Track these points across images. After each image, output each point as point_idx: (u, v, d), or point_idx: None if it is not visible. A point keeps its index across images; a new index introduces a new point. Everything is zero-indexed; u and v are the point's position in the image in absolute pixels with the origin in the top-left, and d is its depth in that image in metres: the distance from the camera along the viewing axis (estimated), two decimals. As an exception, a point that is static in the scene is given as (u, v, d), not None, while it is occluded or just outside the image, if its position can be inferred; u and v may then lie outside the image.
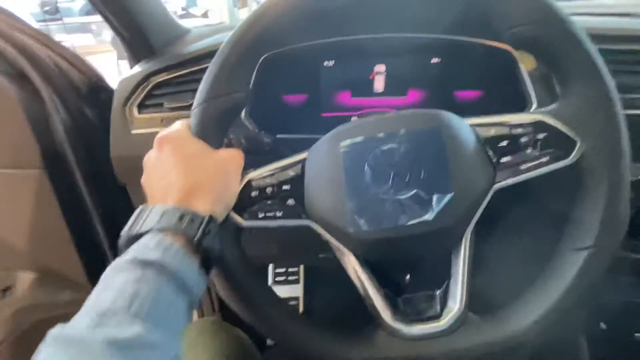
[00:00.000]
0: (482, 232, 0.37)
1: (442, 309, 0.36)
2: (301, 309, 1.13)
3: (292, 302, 1.17)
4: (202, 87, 0.37)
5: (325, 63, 0.60)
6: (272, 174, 0.38)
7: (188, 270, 0.31)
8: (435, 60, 0.59)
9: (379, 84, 0.61)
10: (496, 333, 0.34)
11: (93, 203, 0.76)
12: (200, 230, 0.32)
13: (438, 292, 0.37)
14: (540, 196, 0.43)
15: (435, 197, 0.34)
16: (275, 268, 1.20)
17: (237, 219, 0.37)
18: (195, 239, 0.32)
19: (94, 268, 0.86)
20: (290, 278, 1.19)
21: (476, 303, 0.36)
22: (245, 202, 0.37)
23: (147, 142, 0.55)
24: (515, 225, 0.47)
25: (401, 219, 0.34)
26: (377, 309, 0.36)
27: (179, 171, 0.35)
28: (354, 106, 0.64)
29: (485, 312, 0.36)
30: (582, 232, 0.35)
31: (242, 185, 0.37)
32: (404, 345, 0.35)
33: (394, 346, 0.35)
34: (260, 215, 0.37)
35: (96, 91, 0.73)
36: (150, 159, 0.38)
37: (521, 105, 0.53)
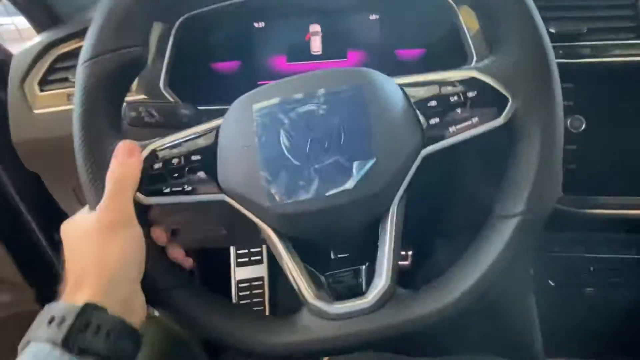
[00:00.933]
0: (412, 202, 0.34)
1: (368, 285, 0.33)
2: (266, 289, 1.11)
3: (257, 283, 1.15)
4: (86, 44, 0.31)
5: (256, 24, 0.55)
6: (180, 144, 0.33)
7: None
8: (373, 17, 0.55)
9: (315, 46, 0.57)
10: (424, 308, 0.32)
11: (18, 193, 0.69)
12: (66, 326, 0.27)
13: (364, 268, 0.34)
14: (472, 162, 0.40)
15: (356, 164, 0.31)
16: (237, 249, 1.16)
17: (140, 197, 0.33)
18: (60, 339, 0.26)
19: (29, 264, 0.80)
20: (253, 258, 1.16)
21: (410, 278, 0.33)
22: (147, 177, 0.33)
23: (52, 122, 0.49)
24: (447, 194, 0.45)
25: (320, 189, 0.31)
26: (300, 287, 0.33)
27: (68, 263, 0.32)
28: (291, 72, 0.59)
29: (416, 287, 0.34)
30: (513, 197, 0.33)
31: (143, 157, 0.33)
32: (327, 325, 0.32)
33: (317, 327, 0.32)
34: (166, 190, 0.33)
35: (3, 69, 0.65)
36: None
37: (463, 63, 0.50)
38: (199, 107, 0.48)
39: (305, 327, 0.33)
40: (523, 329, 0.62)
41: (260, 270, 1.21)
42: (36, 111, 0.48)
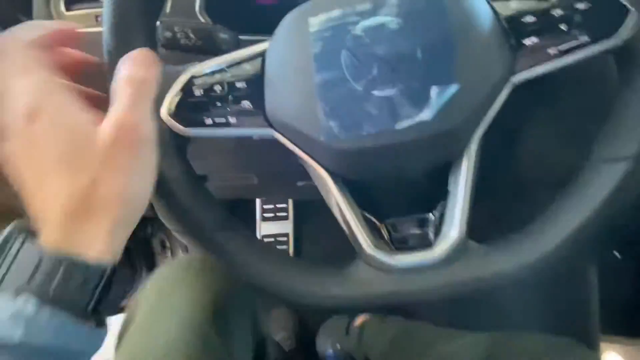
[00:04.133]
0: (489, 141, 0.28)
1: (436, 236, 0.29)
2: (291, 246, 1.09)
3: (282, 239, 1.13)
4: None
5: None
6: (223, 69, 0.29)
7: (71, 338, 0.22)
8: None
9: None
10: (506, 262, 0.27)
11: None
12: (90, 292, 0.22)
13: (432, 216, 0.30)
14: (569, 92, 0.34)
15: (435, 90, 0.25)
16: (263, 204, 1.14)
17: (178, 127, 0.29)
18: (89, 307, 0.23)
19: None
20: (279, 214, 1.14)
21: (479, 232, 0.29)
22: (186, 106, 0.29)
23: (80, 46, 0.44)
24: (533, 132, 0.38)
25: (389, 120, 0.26)
26: (356, 235, 0.28)
27: (57, 173, 0.23)
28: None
29: (492, 241, 0.29)
30: (624, 137, 0.27)
31: (181, 84, 0.29)
32: (387, 279, 0.28)
33: (376, 281, 0.28)
34: (208, 121, 0.29)
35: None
36: (15, 133, 0.23)
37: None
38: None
39: (362, 280, 0.29)
40: (579, 303, 0.57)
41: (285, 227, 1.19)
42: (62, 33, 0.44)
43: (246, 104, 0.29)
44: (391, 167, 0.28)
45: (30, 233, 0.23)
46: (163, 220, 0.31)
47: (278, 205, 1.11)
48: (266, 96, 0.28)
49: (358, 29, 0.26)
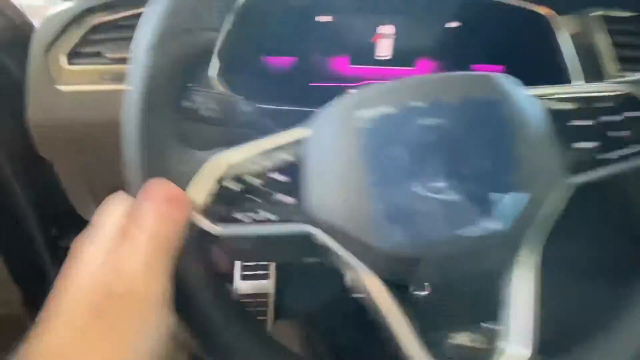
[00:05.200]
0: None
1: (500, 351, 0.26)
2: (271, 307, 1.03)
3: (261, 299, 1.06)
4: (153, 23, 0.25)
5: (319, 19, 0.48)
6: (256, 158, 0.26)
7: None
8: (452, 24, 0.49)
9: (384, 49, 0.50)
10: None
11: (21, 186, 0.60)
12: None
13: (494, 327, 0.27)
14: (621, 198, 0.34)
15: (508, 198, 0.24)
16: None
17: (207, 225, 0.25)
18: None
19: (20, 263, 0.71)
20: (259, 272, 1.08)
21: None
22: (219, 200, 0.25)
23: (80, 104, 0.41)
24: (588, 238, 0.38)
25: (456, 227, 0.23)
26: (410, 351, 0.25)
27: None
28: (350, 76, 0.52)
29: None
30: None
31: (218, 175, 0.26)
32: None
33: None
34: (239, 216, 0.25)
35: (20, 38, 0.57)
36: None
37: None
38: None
39: None
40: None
41: (265, 286, 1.12)
42: (61, 87, 0.40)
43: (285, 198, 0.26)
44: (452, 275, 0.25)
45: None
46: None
47: (259, 263, 1.05)
48: (308, 192, 0.26)
49: (414, 127, 0.25)
